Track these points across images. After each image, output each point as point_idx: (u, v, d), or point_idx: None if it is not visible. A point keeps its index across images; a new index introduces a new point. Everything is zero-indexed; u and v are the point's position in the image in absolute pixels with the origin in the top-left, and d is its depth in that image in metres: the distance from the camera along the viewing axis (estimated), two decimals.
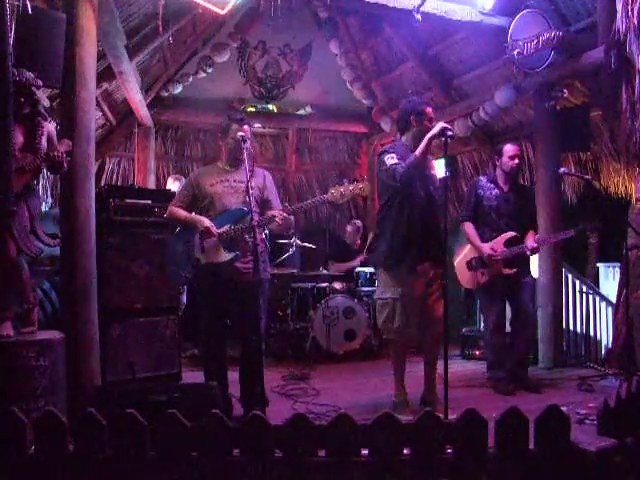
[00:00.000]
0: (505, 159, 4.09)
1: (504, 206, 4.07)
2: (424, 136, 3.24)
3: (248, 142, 3.18)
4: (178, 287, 3.97)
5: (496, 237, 4.00)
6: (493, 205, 4.07)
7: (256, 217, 3.12)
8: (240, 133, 3.21)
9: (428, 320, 3.41)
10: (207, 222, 3.29)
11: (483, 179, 4.24)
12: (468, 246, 4.17)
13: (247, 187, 2.99)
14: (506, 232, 4.00)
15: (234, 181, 3.42)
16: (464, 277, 4.17)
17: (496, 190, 4.11)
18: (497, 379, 4.02)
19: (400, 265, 3.34)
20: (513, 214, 4.06)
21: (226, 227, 3.32)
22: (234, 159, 3.43)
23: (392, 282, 3.39)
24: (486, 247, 3.98)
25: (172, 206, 3.47)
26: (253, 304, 3.03)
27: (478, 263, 4.05)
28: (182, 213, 3.41)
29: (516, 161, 4.08)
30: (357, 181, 3.22)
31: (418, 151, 3.22)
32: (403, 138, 3.49)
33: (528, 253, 3.96)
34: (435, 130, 3.16)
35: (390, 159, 3.27)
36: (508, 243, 3.97)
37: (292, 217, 3.38)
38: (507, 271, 3.95)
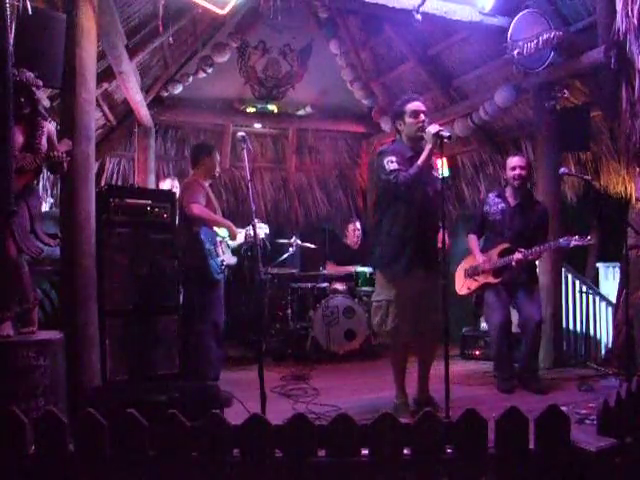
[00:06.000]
0: (508, 171, 4.22)
1: (509, 220, 4.16)
2: (415, 132, 3.29)
3: (247, 142, 3.24)
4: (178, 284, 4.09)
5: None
6: (498, 219, 4.18)
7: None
8: (240, 133, 3.25)
9: (426, 322, 3.35)
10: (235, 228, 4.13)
11: (491, 195, 4.35)
12: (470, 256, 4.35)
13: (248, 186, 3.15)
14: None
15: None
16: (458, 283, 4.37)
17: (502, 204, 4.20)
18: (502, 378, 4.07)
19: (395, 265, 3.31)
20: (519, 228, 4.12)
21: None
22: (210, 178, 4.28)
23: (387, 283, 3.36)
24: (480, 257, 4.17)
25: (200, 205, 3.97)
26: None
27: (472, 272, 4.23)
28: (216, 215, 4.09)
29: (517, 171, 4.12)
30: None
31: (420, 161, 3.19)
32: (402, 137, 3.47)
33: (513, 264, 3.95)
34: (429, 143, 3.16)
35: (390, 163, 3.22)
36: (502, 254, 4.07)
37: None
38: (493, 280, 4.09)
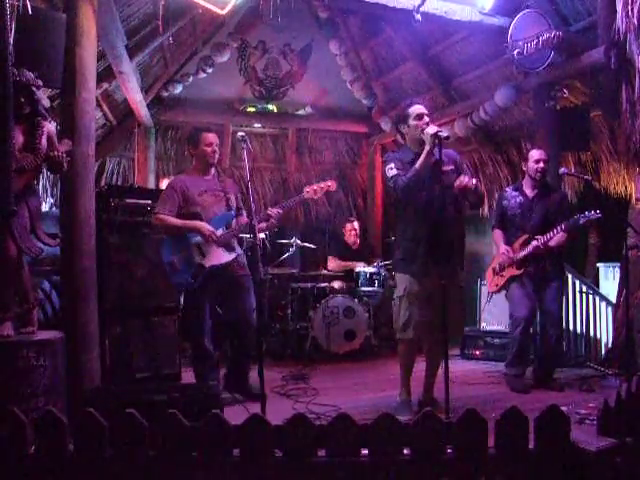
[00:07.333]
0: (530, 163, 4.19)
1: (527, 212, 4.17)
2: (419, 134, 3.25)
3: (247, 142, 3.22)
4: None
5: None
6: (517, 213, 4.21)
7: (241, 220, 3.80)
8: (240, 133, 3.24)
9: (437, 322, 3.25)
10: (209, 227, 3.59)
11: (508, 189, 4.40)
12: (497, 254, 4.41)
13: (248, 186, 3.12)
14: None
15: (216, 190, 3.78)
16: (489, 282, 4.44)
17: (520, 197, 4.22)
18: (513, 375, 4.09)
19: (411, 265, 3.34)
20: (538, 218, 4.13)
21: (220, 230, 3.66)
22: (207, 165, 3.77)
23: (403, 281, 3.39)
24: (503, 248, 4.19)
25: (161, 214, 3.62)
26: (251, 299, 3.74)
27: (499, 268, 4.27)
28: (178, 220, 3.63)
29: (541, 165, 4.14)
30: (326, 180, 3.88)
31: (418, 163, 3.19)
32: (407, 141, 3.46)
33: (530, 249, 4.01)
34: (427, 144, 3.15)
35: (390, 170, 3.29)
36: (523, 245, 4.11)
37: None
38: (516, 272, 4.12)
